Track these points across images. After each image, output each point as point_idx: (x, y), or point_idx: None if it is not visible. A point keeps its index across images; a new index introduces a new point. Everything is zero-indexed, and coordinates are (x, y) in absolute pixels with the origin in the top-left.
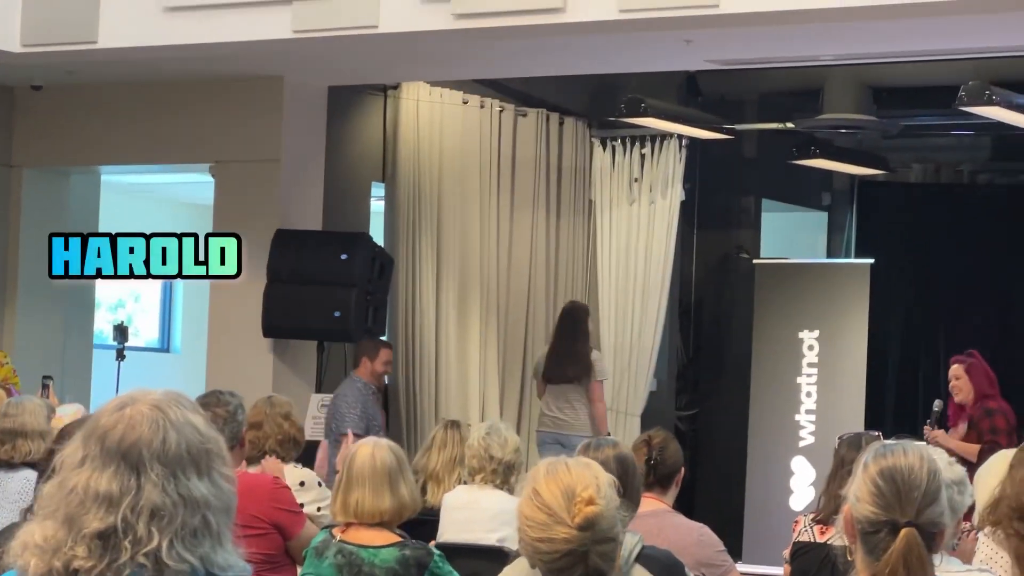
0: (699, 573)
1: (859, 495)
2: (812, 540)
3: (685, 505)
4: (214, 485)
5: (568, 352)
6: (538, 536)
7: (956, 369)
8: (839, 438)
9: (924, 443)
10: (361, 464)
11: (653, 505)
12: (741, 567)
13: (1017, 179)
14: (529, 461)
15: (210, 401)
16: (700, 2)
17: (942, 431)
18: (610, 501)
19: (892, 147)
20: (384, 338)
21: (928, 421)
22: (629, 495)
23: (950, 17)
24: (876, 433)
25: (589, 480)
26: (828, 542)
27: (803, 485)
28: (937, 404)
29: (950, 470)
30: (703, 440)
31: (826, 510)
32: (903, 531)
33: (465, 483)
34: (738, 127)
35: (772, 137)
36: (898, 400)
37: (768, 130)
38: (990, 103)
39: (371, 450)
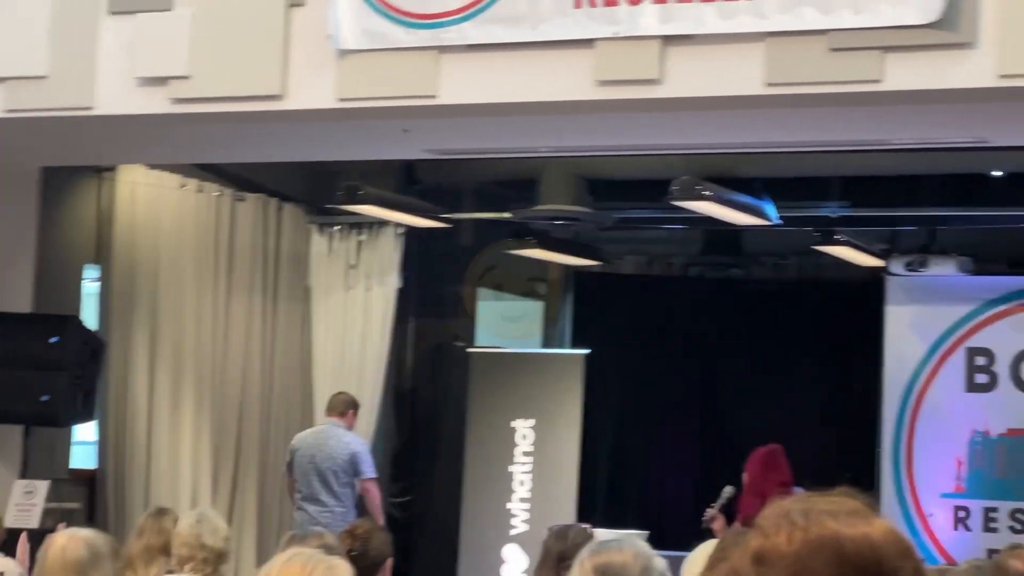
0: None
1: None
2: None
3: None
4: None
5: None
6: None
7: (756, 461)
8: (548, 529)
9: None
10: (53, 557)
11: None
12: None
13: (726, 272)
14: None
15: None
16: (418, 92)
17: (722, 517)
18: None
19: (607, 239)
20: (95, 423)
21: (713, 504)
22: None
23: (663, 113)
24: (585, 526)
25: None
26: None
27: (515, 573)
28: (728, 490)
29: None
30: (416, 527)
31: None
32: None
33: (172, 572)
34: (455, 216)
35: (489, 227)
36: (610, 490)
37: (485, 219)
38: (701, 198)
39: (64, 542)
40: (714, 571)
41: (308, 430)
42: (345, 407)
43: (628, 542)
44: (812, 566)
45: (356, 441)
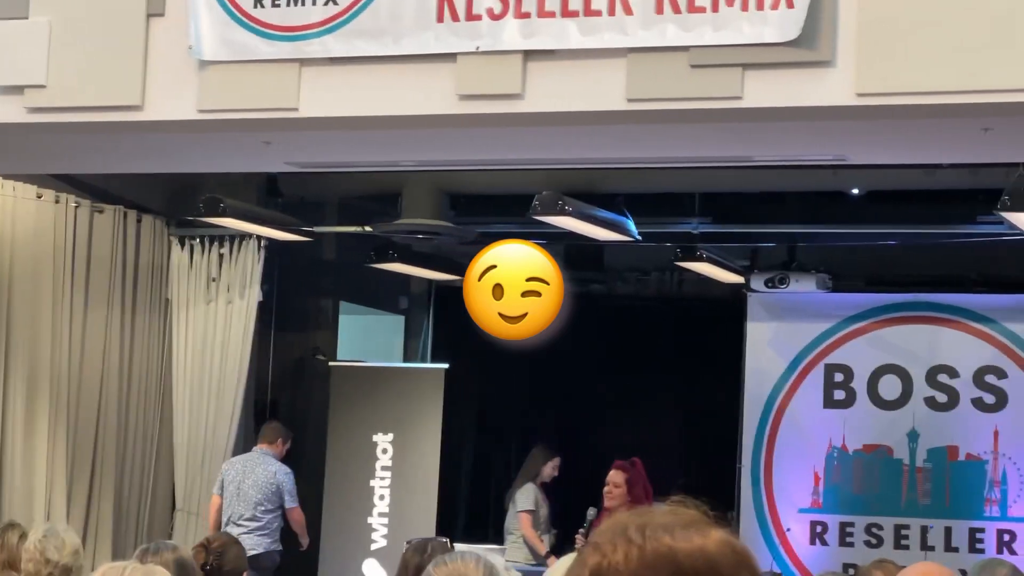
0: None
1: None
2: None
3: None
4: None
5: None
6: None
7: (615, 475)
8: (407, 543)
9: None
10: None
11: None
12: None
13: (587, 288)
14: None
15: None
16: (279, 105)
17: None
18: None
19: (468, 253)
20: None
21: (581, 530)
22: None
23: (525, 128)
24: (444, 540)
25: None
26: None
27: None
28: (591, 512)
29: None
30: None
31: None
32: None
33: None
34: (317, 229)
35: (351, 240)
36: (470, 504)
37: (347, 233)
38: (563, 213)
39: None
40: None
41: (239, 456)
42: (275, 436)
43: (474, 554)
44: None
45: (281, 471)
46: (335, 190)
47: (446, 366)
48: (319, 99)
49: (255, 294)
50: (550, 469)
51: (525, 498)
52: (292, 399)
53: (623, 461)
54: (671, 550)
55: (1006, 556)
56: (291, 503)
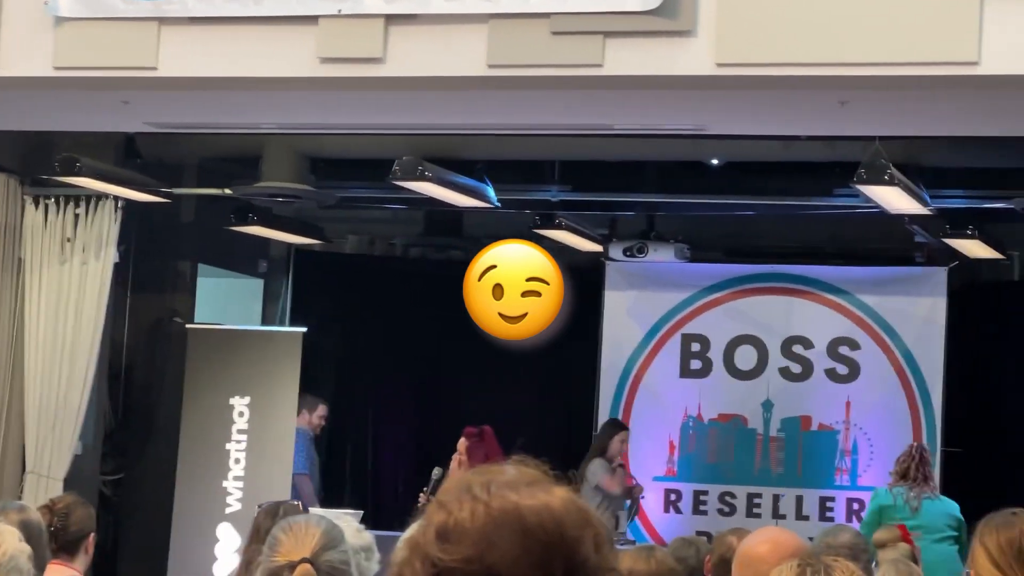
0: None
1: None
2: None
3: (108, 572)
4: None
5: None
6: None
7: (462, 443)
8: (259, 506)
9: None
10: None
11: (61, 572)
12: None
13: (447, 254)
14: None
15: None
16: (137, 64)
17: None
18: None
19: (329, 217)
20: None
21: (425, 489)
22: (36, 561)
23: (386, 92)
24: (296, 503)
25: None
26: None
27: (228, 552)
28: (436, 472)
29: (358, 537)
30: (128, 505)
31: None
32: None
33: None
34: (176, 191)
35: (210, 202)
36: (326, 469)
37: (206, 195)
38: (423, 179)
39: None
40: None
41: None
42: (300, 408)
43: (319, 517)
44: (496, 541)
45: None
46: (195, 152)
47: (304, 330)
48: (178, 59)
49: (111, 255)
50: (618, 444)
51: (593, 474)
52: (148, 362)
53: (473, 428)
54: (517, 507)
55: (855, 525)
56: (297, 468)
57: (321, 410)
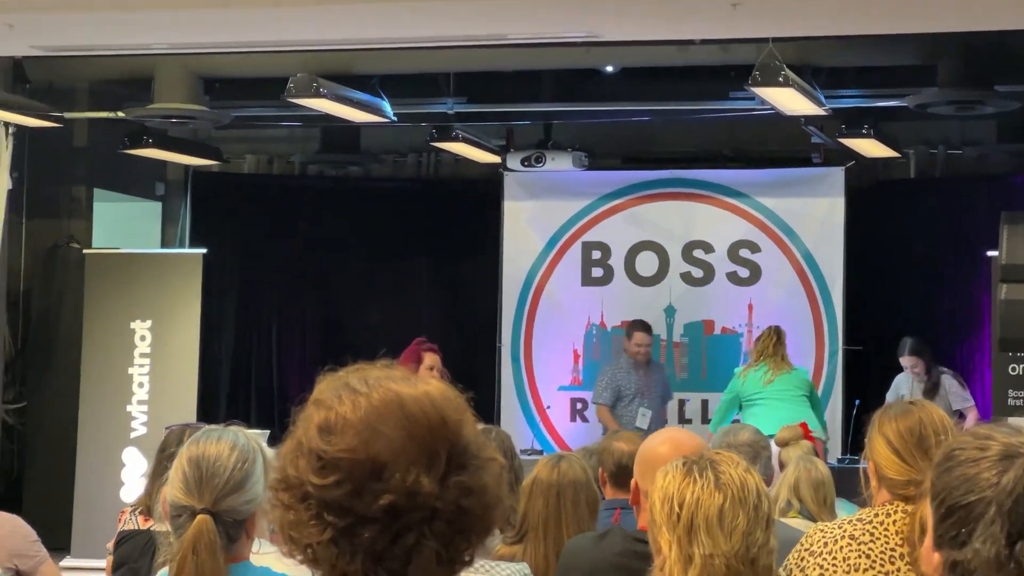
0: (12, 565)
1: (171, 479)
2: (136, 528)
3: (14, 500)
4: None
5: None
6: None
7: (432, 358)
8: (166, 428)
9: (241, 431)
10: None
11: None
12: (69, 561)
13: (345, 171)
14: None
15: None
16: None
17: None
18: None
19: (225, 138)
20: None
21: None
22: None
23: (276, 8)
24: (203, 425)
25: None
26: (151, 529)
27: (135, 477)
28: None
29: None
30: (32, 433)
31: (148, 499)
32: (197, 517)
33: None
34: (67, 115)
35: (104, 126)
36: (231, 389)
37: (99, 119)
38: (318, 95)
39: None
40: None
41: None
42: None
43: (229, 433)
44: (381, 429)
45: None
46: (85, 75)
47: (204, 251)
48: None
49: (4, 182)
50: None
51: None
52: (46, 288)
53: (428, 343)
54: (398, 395)
55: None
56: None
57: (638, 338)
